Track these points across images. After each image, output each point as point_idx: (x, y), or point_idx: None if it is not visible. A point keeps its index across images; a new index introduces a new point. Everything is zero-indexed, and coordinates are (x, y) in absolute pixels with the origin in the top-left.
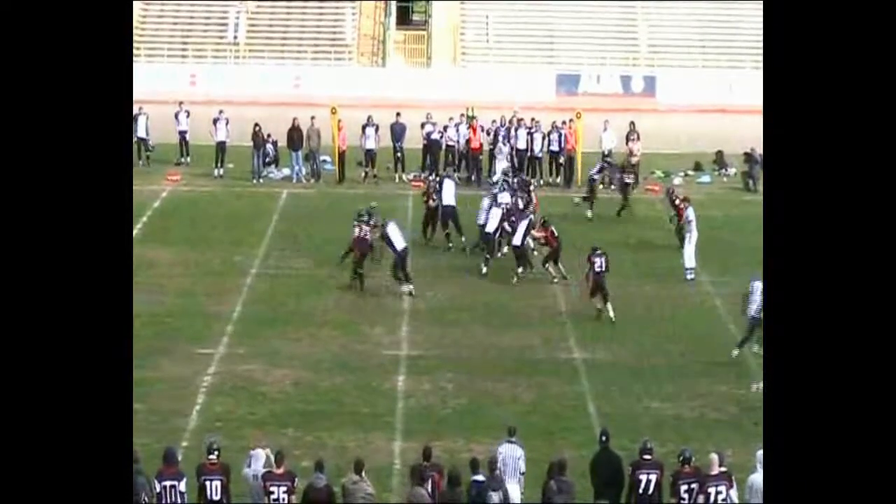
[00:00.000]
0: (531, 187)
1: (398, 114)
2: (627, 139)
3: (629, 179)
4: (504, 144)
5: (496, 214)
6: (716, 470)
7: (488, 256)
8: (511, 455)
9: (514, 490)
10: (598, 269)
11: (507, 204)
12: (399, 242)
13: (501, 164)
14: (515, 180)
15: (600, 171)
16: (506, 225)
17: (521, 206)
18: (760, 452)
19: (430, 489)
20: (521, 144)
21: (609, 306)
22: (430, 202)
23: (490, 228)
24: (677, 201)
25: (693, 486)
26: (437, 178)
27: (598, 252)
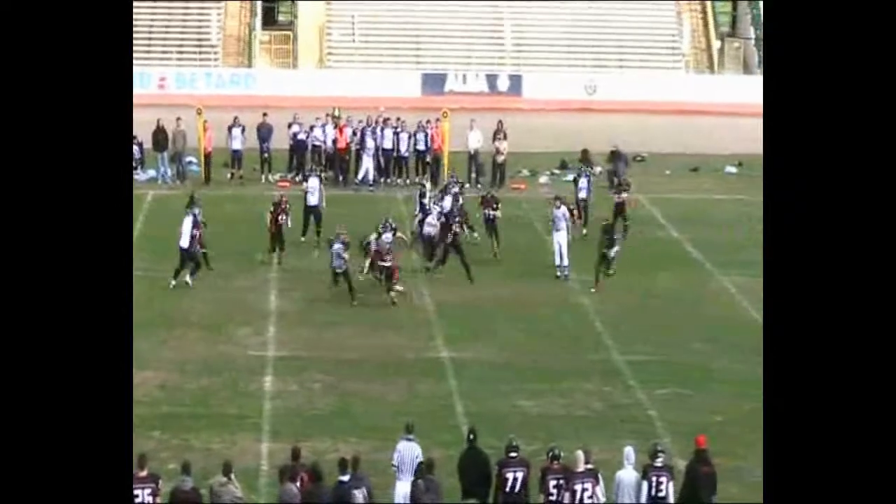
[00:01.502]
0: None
1: (265, 114)
2: (494, 138)
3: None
4: (370, 144)
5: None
6: (581, 467)
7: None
8: (409, 453)
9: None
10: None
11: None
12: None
13: (367, 164)
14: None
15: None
16: (430, 230)
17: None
18: (627, 449)
19: (298, 487)
20: (388, 144)
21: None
22: (278, 221)
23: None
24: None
25: (562, 482)
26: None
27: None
